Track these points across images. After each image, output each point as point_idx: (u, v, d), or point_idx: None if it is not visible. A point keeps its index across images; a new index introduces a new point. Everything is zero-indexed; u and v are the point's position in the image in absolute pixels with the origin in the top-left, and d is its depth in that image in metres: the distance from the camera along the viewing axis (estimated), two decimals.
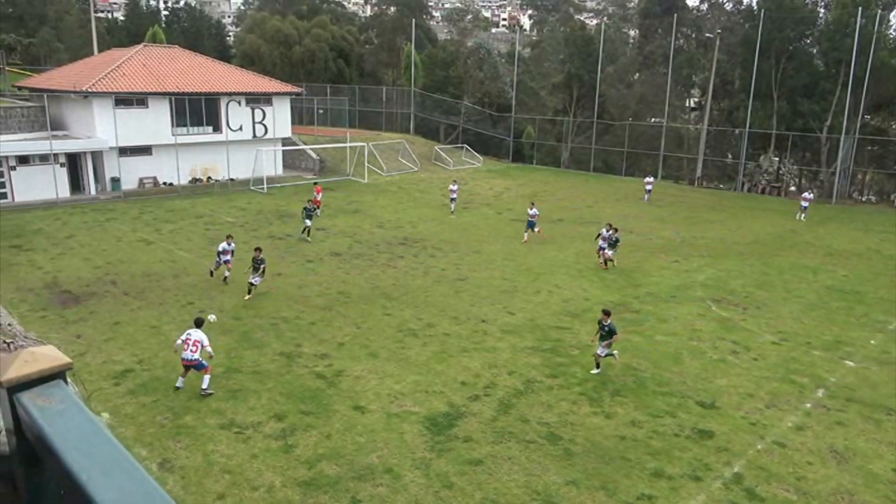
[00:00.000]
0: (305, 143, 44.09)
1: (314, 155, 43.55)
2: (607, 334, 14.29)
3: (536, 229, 26.59)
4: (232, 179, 38.40)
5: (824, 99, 41.43)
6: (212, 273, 20.45)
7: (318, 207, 30.92)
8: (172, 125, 35.98)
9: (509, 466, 10.95)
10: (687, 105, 55.78)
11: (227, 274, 20.07)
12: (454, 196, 32.47)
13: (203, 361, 13.00)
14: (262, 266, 19.00)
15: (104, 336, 15.85)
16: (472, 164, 49.80)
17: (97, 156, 33.89)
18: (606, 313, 14.57)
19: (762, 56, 41.46)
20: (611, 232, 22.65)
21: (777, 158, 45.20)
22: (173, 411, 12.36)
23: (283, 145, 41.88)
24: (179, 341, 13.11)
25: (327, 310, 18.24)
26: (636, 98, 51.39)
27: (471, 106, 56.11)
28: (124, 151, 34.28)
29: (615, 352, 14.88)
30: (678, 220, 32.82)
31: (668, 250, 26.58)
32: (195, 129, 37.42)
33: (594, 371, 14.50)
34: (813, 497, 10.38)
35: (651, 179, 39.34)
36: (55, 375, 1.38)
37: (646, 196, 37.97)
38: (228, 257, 20.10)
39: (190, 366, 12.96)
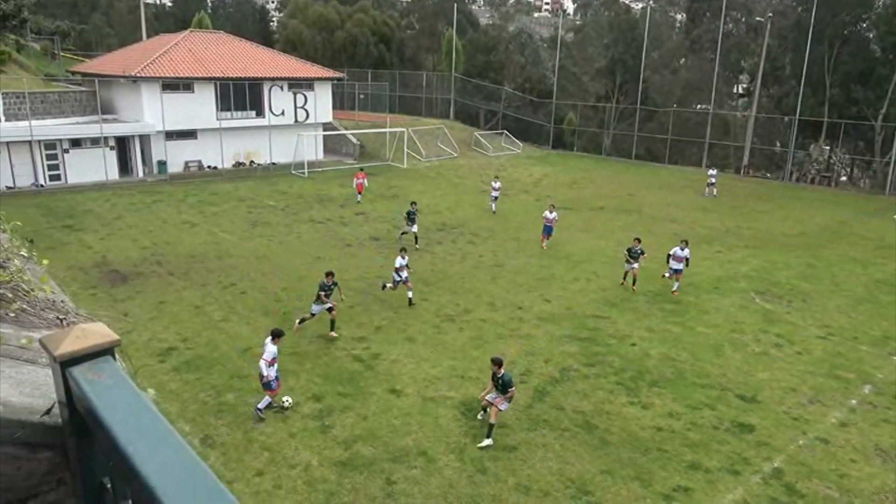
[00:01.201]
0: (346, 128, 44.41)
1: (354, 140, 43.84)
2: (502, 387, 11.18)
3: (548, 238, 23.57)
4: (274, 163, 38.98)
5: (880, 86, 39.78)
6: (384, 287, 17.88)
7: (361, 193, 31.25)
8: (217, 109, 36.66)
9: (543, 453, 10.95)
10: (734, 91, 54.18)
11: (410, 295, 17.42)
12: (496, 195, 29.69)
13: (272, 381, 11.65)
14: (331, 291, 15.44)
15: (150, 315, 16.35)
16: (512, 151, 49.44)
17: (145, 139, 34.78)
18: (497, 363, 11.24)
19: (815, 41, 39.96)
20: (638, 247, 19.26)
21: (828, 147, 43.67)
22: (216, 389, 12.70)
23: (324, 130, 42.26)
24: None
25: (366, 294, 18.44)
26: (681, 84, 50.15)
27: (511, 92, 55.62)
28: (171, 135, 35.11)
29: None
30: (722, 210, 32.06)
31: (711, 240, 26.02)
32: (239, 113, 38.06)
33: (484, 443, 11.14)
34: (856, 495, 10.12)
35: (714, 172, 36.23)
36: (104, 351, 1.44)
37: (707, 190, 35.29)
38: (406, 274, 17.35)
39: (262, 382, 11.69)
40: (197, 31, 42.56)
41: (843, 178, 43.82)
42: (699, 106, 50.45)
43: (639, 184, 38.97)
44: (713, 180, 35.46)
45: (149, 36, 49.74)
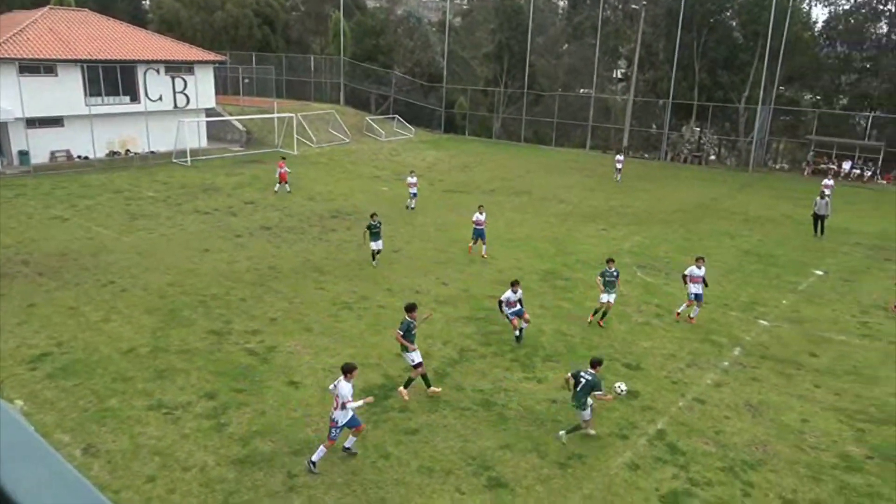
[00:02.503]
0: (231, 114, 42.57)
1: (240, 126, 42.13)
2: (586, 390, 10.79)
3: (483, 246, 21.11)
4: (153, 152, 36.76)
5: (742, 71, 43.08)
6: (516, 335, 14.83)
7: (285, 182, 29.97)
8: (85, 95, 34.01)
9: (445, 434, 11.12)
10: (614, 76, 56.84)
11: (523, 326, 14.78)
12: (414, 191, 27.22)
13: (356, 418, 10.17)
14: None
15: (17, 319, 15.01)
16: (404, 136, 49.36)
17: (2, 127, 31.69)
18: (596, 363, 11.04)
19: (684, 28, 42.62)
20: (613, 268, 15.90)
21: (698, 129, 46.86)
22: (97, 395, 11.89)
23: (207, 116, 40.29)
24: (330, 388, 10.38)
25: (258, 285, 17.86)
26: (565, 69, 52.02)
27: (401, 76, 55.39)
28: (32, 123, 32.21)
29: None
30: (606, 189, 33.67)
31: (596, 218, 27.28)
32: (110, 99, 35.52)
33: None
34: (730, 448, 11.03)
35: (621, 157, 36.83)
36: None
37: (617, 175, 35.92)
38: (520, 308, 14.61)
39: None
40: (57, 8, 39.10)
41: (713, 157, 47.19)
42: (582, 90, 52.51)
43: (528, 166, 40.13)
44: (620, 165, 36.14)
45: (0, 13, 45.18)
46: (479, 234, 21.04)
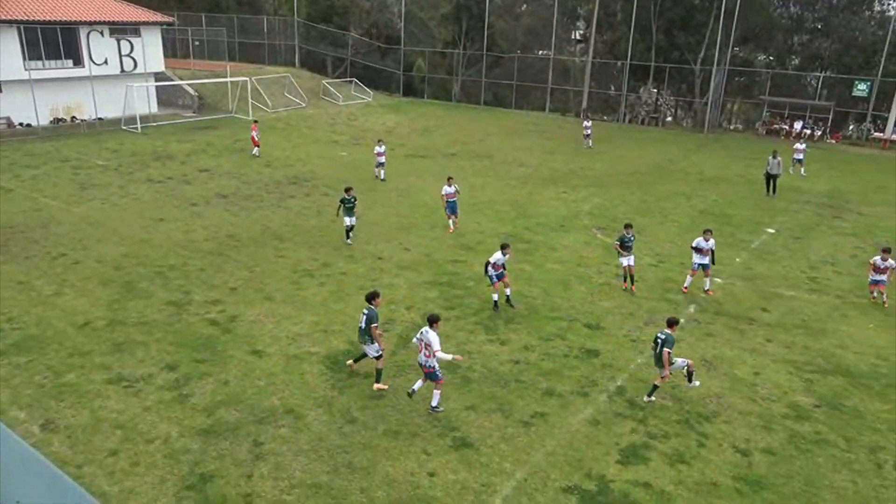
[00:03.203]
0: (182, 79, 41.13)
1: (192, 91, 40.79)
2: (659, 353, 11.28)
3: (455, 218, 20.34)
4: (100, 119, 35.38)
5: (698, 32, 43.35)
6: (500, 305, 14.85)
7: (258, 147, 29.47)
8: (24, 58, 32.37)
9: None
10: (573, 37, 56.65)
11: (508, 292, 14.93)
12: (382, 160, 26.06)
13: (438, 371, 10.66)
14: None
15: None
16: (363, 99, 48.55)
17: None
18: (672, 323, 11.54)
19: None
20: (630, 234, 16.00)
21: (656, 90, 47.23)
22: (53, 370, 11.62)
23: (157, 80, 38.87)
24: (414, 340, 11.06)
25: (217, 254, 17.55)
26: (524, 30, 51.60)
27: (358, 38, 54.15)
28: None
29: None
30: (566, 152, 33.84)
31: (556, 181, 27.46)
32: (52, 62, 33.94)
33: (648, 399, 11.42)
34: (686, 402, 11.43)
35: (589, 124, 35.76)
36: None
37: (588, 141, 35.11)
38: (502, 271, 14.59)
39: (425, 372, 10.74)
40: None
41: (669, 119, 47.76)
42: (541, 52, 52.28)
43: (488, 129, 39.99)
44: (588, 132, 35.34)
45: None
46: (451, 208, 20.08)
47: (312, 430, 10.25)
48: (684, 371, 11.67)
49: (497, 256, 14.40)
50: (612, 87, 49.47)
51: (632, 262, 16.04)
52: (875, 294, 15.88)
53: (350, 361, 12.02)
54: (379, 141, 26.94)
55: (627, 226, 16.32)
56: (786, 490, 9.34)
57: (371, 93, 49.82)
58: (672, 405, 11.33)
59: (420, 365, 10.77)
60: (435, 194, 24.34)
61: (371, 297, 11.52)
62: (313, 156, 30.45)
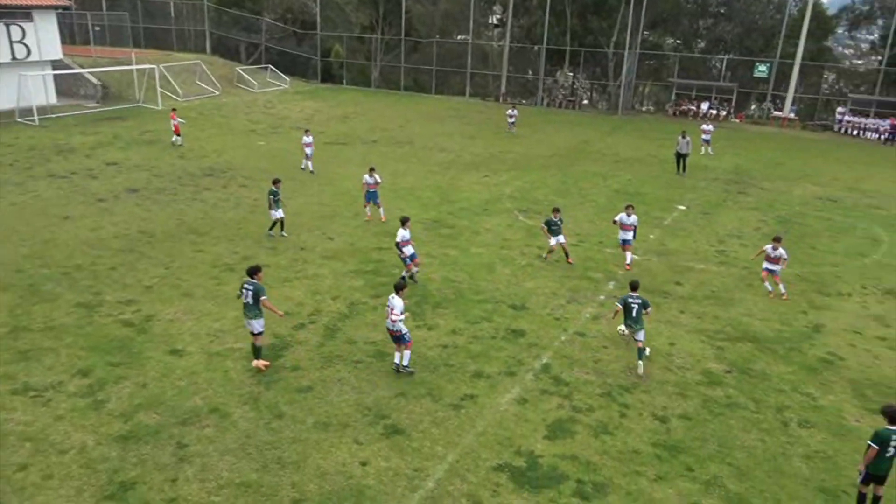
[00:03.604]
0: (82, 67, 38.77)
1: (94, 80, 38.53)
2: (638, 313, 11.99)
3: (378, 205, 19.92)
4: None
5: (610, 16, 44.54)
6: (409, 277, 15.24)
7: (179, 135, 28.41)
8: None
9: (339, 388, 11.14)
10: (490, 22, 57.00)
11: (415, 271, 15.45)
12: (309, 151, 24.99)
13: (406, 334, 11.41)
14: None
15: None
16: (279, 86, 47.30)
17: None
18: (635, 286, 12.34)
19: None
20: (558, 217, 16.85)
21: (572, 74, 48.29)
22: None
23: (54, 69, 36.43)
24: (388, 308, 11.46)
25: (129, 252, 16.75)
26: (442, 14, 51.43)
27: (272, 23, 52.58)
28: None
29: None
30: (486, 137, 34.17)
31: (478, 166, 27.71)
32: None
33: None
34: (608, 375, 11.87)
35: (515, 112, 35.53)
36: None
37: (512, 129, 34.84)
38: (414, 252, 15.37)
39: (394, 336, 11.49)
40: None
41: (585, 102, 48.94)
42: (459, 36, 52.34)
43: (409, 115, 39.83)
44: (513, 119, 35.00)
45: None
46: (371, 197, 19.72)
47: (239, 427, 10.01)
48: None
49: (401, 234, 14.99)
50: (530, 72, 50.20)
51: (562, 240, 16.98)
52: (769, 284, 15.62)
53: (255, 362, 11.62)
54: (306, 131, 25.95)
55: (555, 210, 17.04)
56: (701, 452, 9.88)
57: (288, 79, 48.58)
58: (595, 379, 11.73)
59: (388, 329, 11.51)
60: (357, 182, 24.08)
61: (253, 272, 11.61)
62: (229, 146, 29.46)
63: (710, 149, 31.33)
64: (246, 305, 11.38)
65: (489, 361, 12.19)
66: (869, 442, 8.35)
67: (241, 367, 11.66)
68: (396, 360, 11.65)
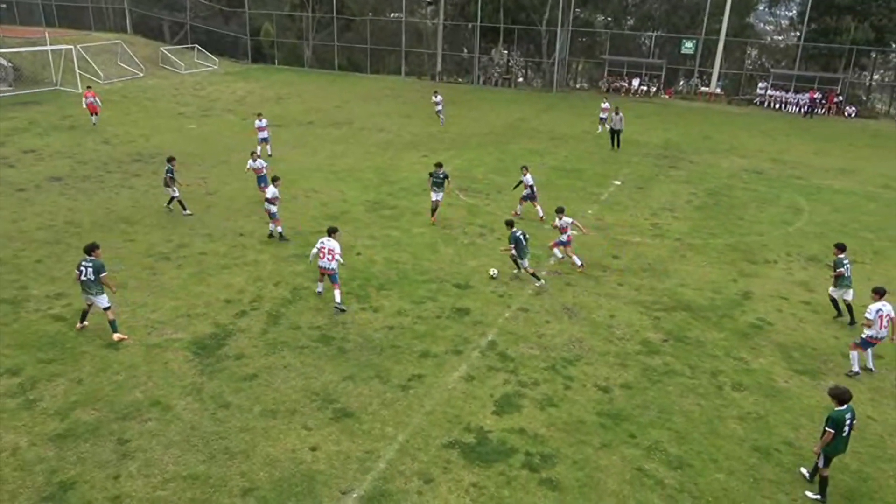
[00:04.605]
0: None
1: (4, 62, 36.18)
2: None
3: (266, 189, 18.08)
4: None
5: None
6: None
7: (96, 114, 27.44)
8: None
9: (285, 374, 11.01)
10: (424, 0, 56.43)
11: (280, 229, 16.90)
12: (264, 135, 24.40)
13: (337, 274, 13.14)
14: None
15: None
16: (208, 67, 45.64)
17: None
18: (510, 224, 15.09)
19: None
20: (441, 171, 18.12)
21: (506, 52, 48.46)
22: None
23: None
24: (314, 250, 13.10)
25: (55, 244, 15.96)
26: None
27: (197, 0, 50.50)
28: None
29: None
30: (424, 116, 33.99)
31: (417, 145, 27.60)
32: None
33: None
34: (552, 349, 12.15)
35: (441, 98, 32.77)
36: None
37: (440, 116, 32.44)
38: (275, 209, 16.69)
39: (326, 273, 13.19)
40: None
41: (521, 80, 49.29)
42: (393, 14, 51.63)
43: (345, 95, 39.20)
44: (440, 107, 32.47)
45: None
46: (262, 181, 19.18)
47: (183, 419, 9.77)
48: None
49: (271, 191, 16.31)
50: (465, 50, 50.10)
51: (440, 198, 18.15)
52: (556, 256, 15.96)
53: (78, 325, 12.06)
54: (259, 115, 25.14)
55: (438, 164, 18.51)
56: (642, 419, 10.28)
57: (217, 60, 46.92)
58: (539, 353, 12.00)
59: (321, 268, 13.11)
60: (293, 165, 23.62)
61: (90, 249, 11.77)
62: (157, 130, 28.31)
63: (600, 127, 31.19)
64: (86, 282, 11.55)
65: (435, 341, 12.27)
66: (825, 427, 8.40)
67: (181, 357, 11.36)
68: (320, 289, 13.55)
